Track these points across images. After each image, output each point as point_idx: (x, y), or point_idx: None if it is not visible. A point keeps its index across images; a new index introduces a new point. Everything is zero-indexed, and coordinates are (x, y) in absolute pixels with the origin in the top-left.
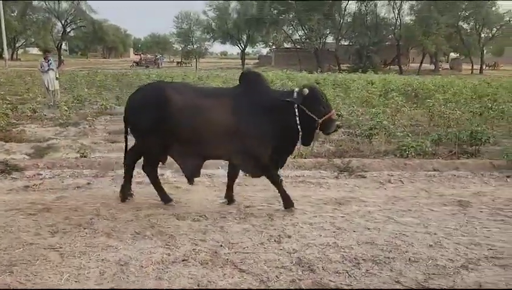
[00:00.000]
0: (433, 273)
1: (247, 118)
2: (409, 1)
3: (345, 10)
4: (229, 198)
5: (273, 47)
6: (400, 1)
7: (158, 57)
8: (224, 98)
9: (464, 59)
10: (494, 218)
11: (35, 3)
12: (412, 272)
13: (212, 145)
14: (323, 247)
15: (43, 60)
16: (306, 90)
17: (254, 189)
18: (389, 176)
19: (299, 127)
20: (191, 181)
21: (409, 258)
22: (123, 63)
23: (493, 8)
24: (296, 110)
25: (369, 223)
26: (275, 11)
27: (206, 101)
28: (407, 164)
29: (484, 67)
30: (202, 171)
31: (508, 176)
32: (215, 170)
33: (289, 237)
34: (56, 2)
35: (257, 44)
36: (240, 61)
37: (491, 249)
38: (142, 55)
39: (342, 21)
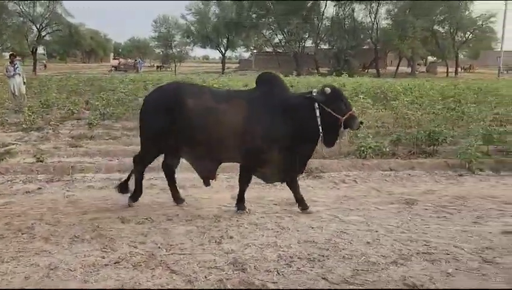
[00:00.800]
0: (362, 269)
1: (264, 121)
2: (387, 0)
3: (323, 14)
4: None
5: (254, 51)
6: (377, 6)
7: (137, 61)
8: (241, 100)
9: (441, 62)
10: (437, 215)
11: (10, 6)
12: (342, 268)
13: (227, 148)
14: (262, 247)
15: (9, 64)
16: (328, 89)
17: (209, 191)
18: (345, 176)
19: (320, 127)
20: (207, 183)
21: (344, 256)
22: (102, 67)
23: (466, 13)
24: (317, 110)
25: (313, 223)
26: (254, 15)
27: (221, 104)
28: (365, 164)
29: (460, 70)
30: (152, 174)
31: (460, 175)
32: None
33: (231, 237)
34: (31, 6)
35: (237, 48)
36: (221, 65)
37: (425, 245)
38: (120, 59)
39: (320, 25)
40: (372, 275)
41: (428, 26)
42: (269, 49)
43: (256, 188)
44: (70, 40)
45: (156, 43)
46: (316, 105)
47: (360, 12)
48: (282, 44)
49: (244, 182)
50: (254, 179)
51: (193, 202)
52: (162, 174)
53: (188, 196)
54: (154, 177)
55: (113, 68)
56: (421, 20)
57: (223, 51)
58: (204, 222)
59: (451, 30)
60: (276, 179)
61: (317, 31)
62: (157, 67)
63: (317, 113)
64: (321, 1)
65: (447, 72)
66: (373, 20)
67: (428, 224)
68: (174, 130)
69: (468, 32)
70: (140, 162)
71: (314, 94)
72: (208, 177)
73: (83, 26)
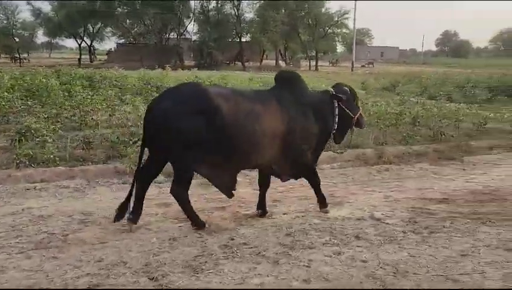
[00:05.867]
0: None
1: (300, 120)
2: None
3: (182, 6)
4: (263, 209)
5: (117, 42)
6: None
7: None
8: (273, 100)
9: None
10: None
11: None
12: None
13: (264, 154)
14: None
15: None
16: (347, 89)
17: None
18: None
19: (336, 125)
20: (230, 195)
21: None
22: None
23: (323, 9)
24: (337, 108)
25: None
26: (116, 1)
27: (256, 106)
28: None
29: (328, 64)
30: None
31: (124, 183)
32: None
33: None
34: None
35: (97, 38)
36: (89, 56)
37: None
38: None
39: (181, 16)
40: None
41: (289, 21)
42: (143, 41)
43: None
44: None
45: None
46: (336, 103)
47: (226, 5)
48: (143, 35)
49: (315, 181)
50: None
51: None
52: None
53: None
54: None
55: None
56: (281, 15)
57: (80, 42)
58: None
59: (311, 25)
60: (293, 176)
61: (178, 22)
62: (12, 59)
63: (337, 111)
64: None
65: (309, 65)
66: (237, 12)
67: None
68: (204, 137)
69: (327, 28)
70: (182, 188)
71: (334, 92)
72: (231, 188)
73: None
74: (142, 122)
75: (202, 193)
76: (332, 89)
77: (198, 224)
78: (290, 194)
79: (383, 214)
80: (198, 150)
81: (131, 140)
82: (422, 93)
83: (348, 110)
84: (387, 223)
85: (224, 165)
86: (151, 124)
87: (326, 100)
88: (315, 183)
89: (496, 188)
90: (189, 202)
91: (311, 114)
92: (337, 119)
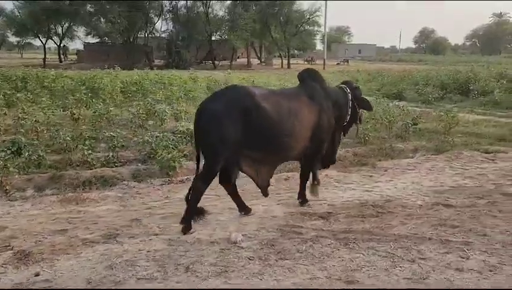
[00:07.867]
0: None
1: (324, 115)
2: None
3: (148, 4)
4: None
5: (84, 41)
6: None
7: None
8: (304, 97)
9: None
10: None
11: None
12: None
13: (299, 147)
14: None
15: None
16: (359, 86)
17: None
18: None
19: (348, 118)
20: (266, 192)
21: None
22: None
23: (293, 7)
24: (350, 102)
25: None
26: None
27: (292, 103)
28: None
29: (303, 61)
30: None
31: None
32: None
33: None
34: None
35: (66, 38)
36: (58, 56)
37: None
38: None
39: (148, 14)
40: None
41: (259, 18)
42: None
43: None
44: None
45: None
46: (350, 97)
47: (196, 3)
48: (110, 34)
49: (307, 176)
50: None
51: None
52: None
53: None
54: None
55: None
56: (251, 13)
57: (44, 41)
58: None
59: (282, 23)
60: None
61: (146, 20)
62: None
63: (350, 105)
64: None
65: (282, 64)
66: (206, 10)
67: None
68: (249, 136)
69: (298, 25)
70: (206, 181)
71: (348, 89)
72: (267, 185)
73: None
74: (39, 128)
75: (57, 212)
76: (345, 86)
77: (187, 222)
78: (158, 211)
79: (244, 235)
80: (242, 148)
81: (9, 149)
82: (379, 91)
83: (356, 106)
84: (241, 248)
85: (266, 162)
86: (201, 126)
87: (343, 95)
88: (308, 174)
89: (392, 198)
90: (200, 199)
91: (333, 108)
92: (350, 112)
